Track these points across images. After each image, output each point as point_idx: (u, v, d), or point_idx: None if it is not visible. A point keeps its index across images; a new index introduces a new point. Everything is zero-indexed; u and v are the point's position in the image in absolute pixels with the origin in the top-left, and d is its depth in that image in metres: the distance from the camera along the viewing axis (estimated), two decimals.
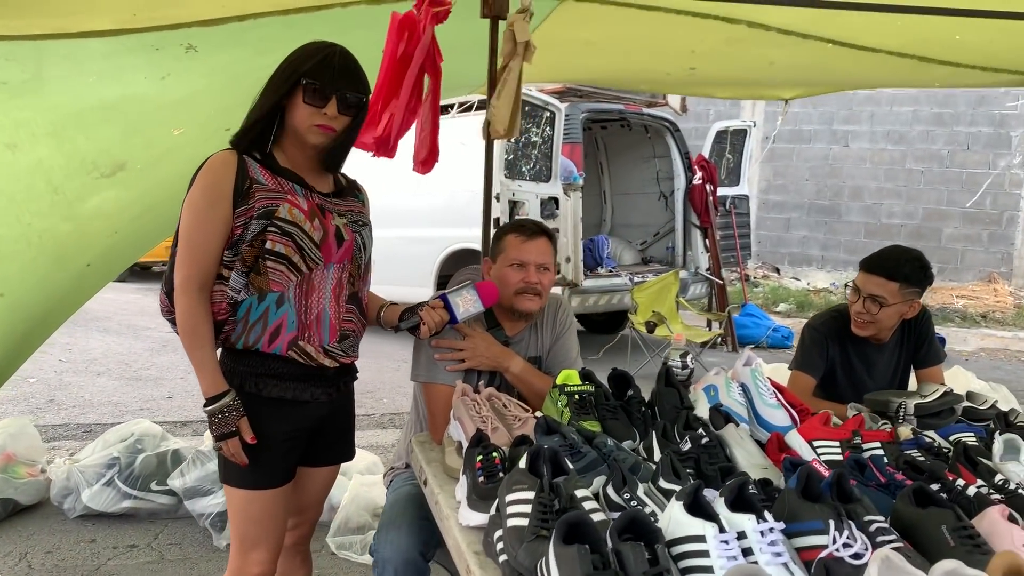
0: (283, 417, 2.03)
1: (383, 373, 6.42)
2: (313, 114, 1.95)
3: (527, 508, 1.40)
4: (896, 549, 1.23)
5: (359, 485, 3.65)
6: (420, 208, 7.85)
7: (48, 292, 3.59)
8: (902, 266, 2.64)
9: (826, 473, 1.59)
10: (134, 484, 3.67)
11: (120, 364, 6.93)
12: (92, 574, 3.20)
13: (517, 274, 2.33)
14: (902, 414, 2.29)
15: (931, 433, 2.09)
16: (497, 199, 6.85)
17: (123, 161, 3.28)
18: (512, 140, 6.98)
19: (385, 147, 2.65)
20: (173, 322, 2.02)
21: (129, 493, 3.65)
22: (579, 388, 2.04)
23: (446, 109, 7.52)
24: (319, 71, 1.94)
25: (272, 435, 2.01)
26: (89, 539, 3.48)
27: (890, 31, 3.33)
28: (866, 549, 1.26)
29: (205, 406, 1.94)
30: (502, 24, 2.83)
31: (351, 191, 2.18)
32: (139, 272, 12.05)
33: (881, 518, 1.36)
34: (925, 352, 2.89)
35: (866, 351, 2.83)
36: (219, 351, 2.05)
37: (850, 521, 1.31)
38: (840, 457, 1.83)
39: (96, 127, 3.12)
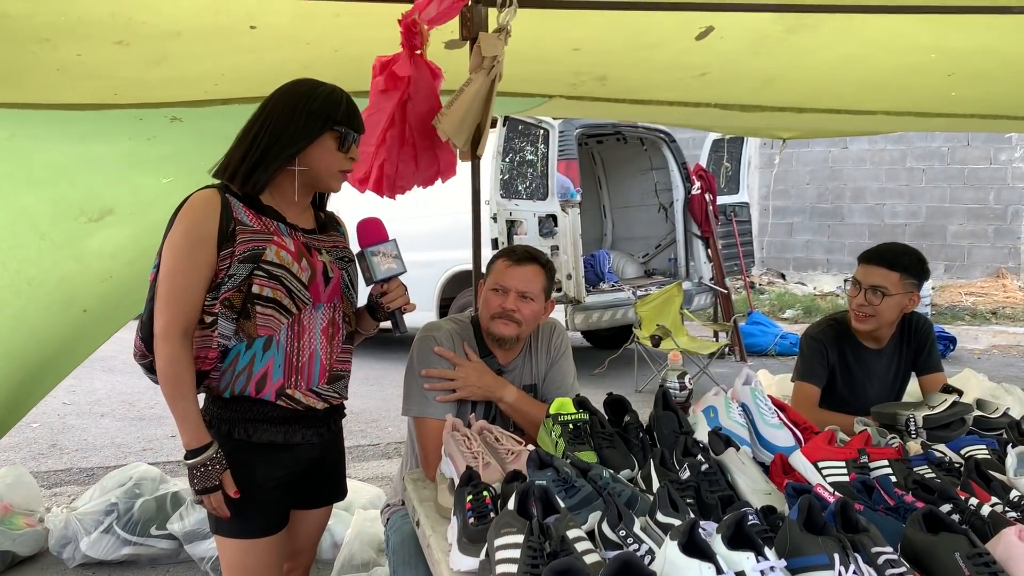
0: (275, 462, 1.98)
1: (388, 401, 6.35)
2: (342, 161, 1.95)
3: (516, 553, 1.34)
4: None
5: (362, 520, 3.58)
6: (420, 232, 7.80)
7: (43, 339, 3.55)
8: (901, 257, 2.70)
9: (831, 499, 1.52)
10: (133, 530, 3.61)
11: (124, 404, 6.88)
12: None
13: (496, 299, 2.28)
14: (912, 428, 2.21)
15: (941, 447, 2.02)
16: (495, 219, 6.81)
17: (111, 207, 3.25)
18: (506, 159, 6.96)
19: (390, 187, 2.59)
20: (147, 368, 1.97)
21: (129, 539, 3.59)
22: (573, 417, 1.98)
23: None
24: (349, 119, 1.94)
25: (264, 482, 1.96)
26: None
27: (883, 96, 3.41)
28: None
29: (186, 458, 1.87)
30: None
31: (332, 225, 2.13)
32: None
33: (889, 549, 1.29)
34: (926, 358, 2.88)
35: (864, 356, 2.82)
36: (202, 398, 1.99)
37: (856, 554, 1.24)
38: (847, 479, 1.75)
39: (81, 175, 3.10)
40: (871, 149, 12.60)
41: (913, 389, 2.98)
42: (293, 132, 1.89)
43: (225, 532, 1.97)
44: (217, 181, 1.97)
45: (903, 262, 2.68)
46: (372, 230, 2.04)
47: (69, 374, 3.85)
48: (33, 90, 2.57)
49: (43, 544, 3.73)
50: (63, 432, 6.00)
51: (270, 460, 1.97)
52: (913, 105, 3.63)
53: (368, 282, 2.05)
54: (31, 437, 5.82)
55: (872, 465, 1.81)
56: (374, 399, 5.86)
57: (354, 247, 2.11)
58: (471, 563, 1.52)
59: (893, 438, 2.08)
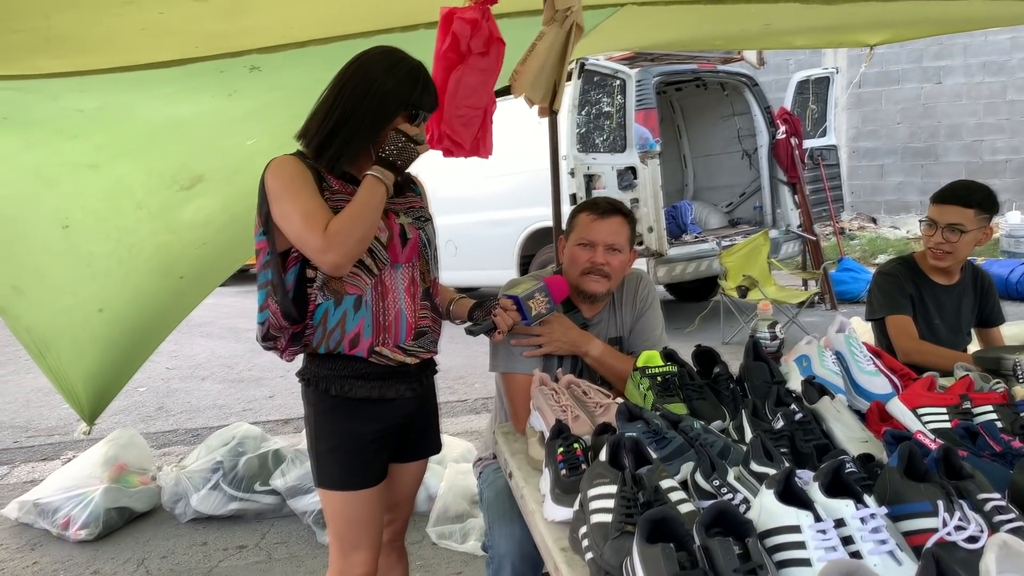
0: (372, 417, 2.03)
1: (474, 359, 6.43)
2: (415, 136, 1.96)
3: (610, 503, 1.35)
4: (1016, 530, 1.13)
5: (455, 473, 3.67)
6: (499, 191, 7.83)
7: (144, 305, 3.72)
8: (974, 193, 2.77)
9: (933, 445, 1.47)
10: (239, 486, 3.79)
11: (223, 367, 7.18)
12: None
13: (584, 253, 2.26)
14: (1019, 372, 2.12)
15: None
16: (572, 175, 6.76)
17: (201, 173, 3.36)
18: (582, 112, 6.87)
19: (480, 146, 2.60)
20: (270, 348, 2.02)
21: (235, 495, 3.77)
22: (661, 370, 1.96)
23: None
24: (423, 98, 1.96)
25: (363, 435, 2.02)
26: (201, 542, 3.61)
27: None
28: (981, 531, 1.15)
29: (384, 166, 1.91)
30: None
31: (408, 186, 2.15)
32: (237, 275, 12.42)
33: (997, 495, 1.25)
34: (991, 310, 3.00)
35: (936, 291, 2.90)
36: (302, 356, 2.06)
37: (962, 500, 1.20)
38: (948, 425, 1.70)
39: (170, 144, 3.20)
40: (967, 83, 11.96)
41: (1011, 333, 2.99)
42: (365, 111, 1.92)
43: (328, 485, 2.04)
44: (297, 144, 2.01)
45: (976, 198, 2.75)
46: (557, 289, 2.19)
47: (166, 338, 4.02)
48: (121, 52, 2.66)
49: (156, 500, 3.95)
50: (168, 395, 6.30)
51: (367, 415, 2.02)
52: None
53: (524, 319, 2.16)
54: (139, 401, 6.14)
55: (976, 411, 1.75)
56: (460, 356, 5.96)
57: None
58: (565, 513, 1.54)
59: (998, 383, 1.99)
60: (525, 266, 7.71)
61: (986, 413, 1.73)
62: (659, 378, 1.94)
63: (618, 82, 6.97)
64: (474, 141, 2.47)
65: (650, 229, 6.95)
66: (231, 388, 6.45)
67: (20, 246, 3.28)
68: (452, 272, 5.71)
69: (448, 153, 2.44)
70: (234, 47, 2.77)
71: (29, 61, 2.60)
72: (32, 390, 6.47)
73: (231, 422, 4.68)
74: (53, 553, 3.57)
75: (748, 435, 1.72)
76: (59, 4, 2.21)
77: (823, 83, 8.80)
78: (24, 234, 3.25)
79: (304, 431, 2.11)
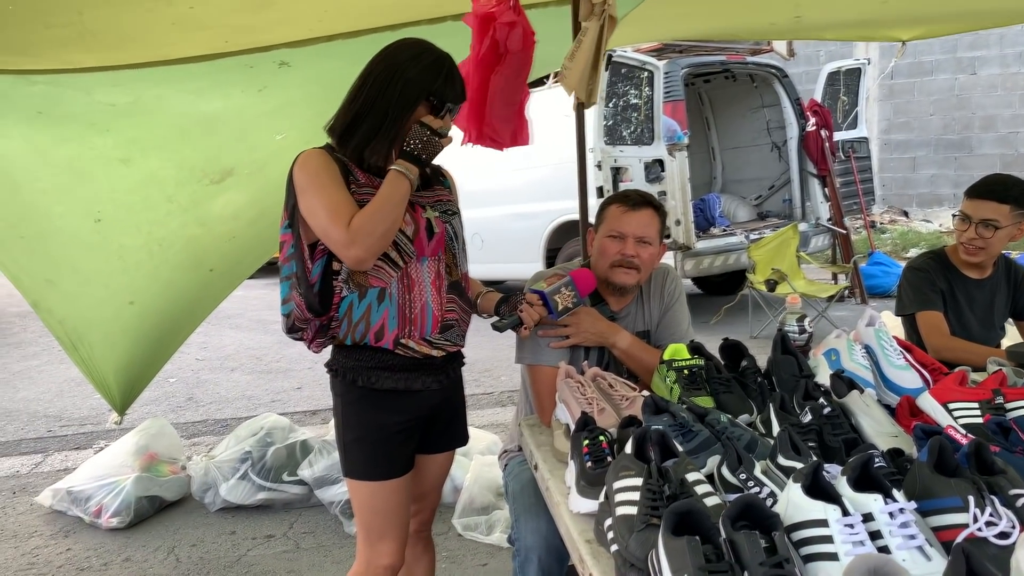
0: (398, 408, 2.05)
1: (500, 351, 6.44)
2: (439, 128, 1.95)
3: (635, 496, 1.34)
4: None
5: (480, 465, 3.68)
6: (524, 184, 7.82)
7: (174, 297, 3.77)
8: (1010, 189, 2.73)
9: (964, 440, 1.45)
10: (267, 476, 3.83)
11: (252, 359, 7.26)
12: (234, 565, 3.35)
13: (614, 245, 2.26)
14: None
15: None
16: (599, 167, 6.73)
17: (230, 167, 3.39)
18: (609, 104, 6.83)
19: (518, 136, 2.62)
20: (297, 339, 2.05)
21: (263, 485, 3.81)
22: (688, 363, 1.95)
23: (542, 81, 7.44)
24: (447, 89, 1.95)
25: (389, 426, 2.03)
26: (230, 531, 3.66)
27: None
28: (1013, 527, 1.14)
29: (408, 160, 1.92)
30: None
31: (436, 179, 2.15)
32: (265, 268, 12.52)
33: None
34: None
35: (967, 286, 2.87)
36: (329, 348, 2.08)
37: (992, 496, 1.19)
38: (980, 420, 1.67)
39: (200, 138, 3.24)
40: (1003, 74, 11.74)
41: None
42: (388, 99, 1.92)
43: (354, 475, 2.06)
44: (325, 140, 2.02)
45: (1012, 194, 2.71)
46: (584, 283, 2.19)
47: (196, 329, 4.07)
48: (152, 47, 2.71)
49: (186, 490, 4.01)
50: (198, 386, 6.38)
51: (393, 406, 2.04)
52: None
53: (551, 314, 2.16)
54: (169, 391, 6.22)
55: (1009, 406, 1.72)
56: (486, 349, 5.97)
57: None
58: (590, 505, 1.54)
59: None
60: (551, 259, 7.70)
61: (1019, 408, 1.71)
62: (686, 371, 1.94)
63: (646, 74, 6.93)
64: (512, 133, 2.50)
65: (677, 222, 6.92)
66: (259, 379, 6.52)
67: (54, 240, 3.33)
68: (478, 265, 5.71)
69: (489, 145, 2.49)
70: (263, 41, 2.80)
71: (63, 55, 2.64)
72: (65, 380, 6.58)
73: (259, 413, 4.72)
74: (86, 540, 3.63)
75: (775, 429, 1.70)
76: (92, 0, 2.24)
77: (854, 74, 8.68)
78: (58, 228, 3.30)
79: (332, 422, 2.12)
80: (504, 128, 2.48)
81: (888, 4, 3.84)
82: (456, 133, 2.43)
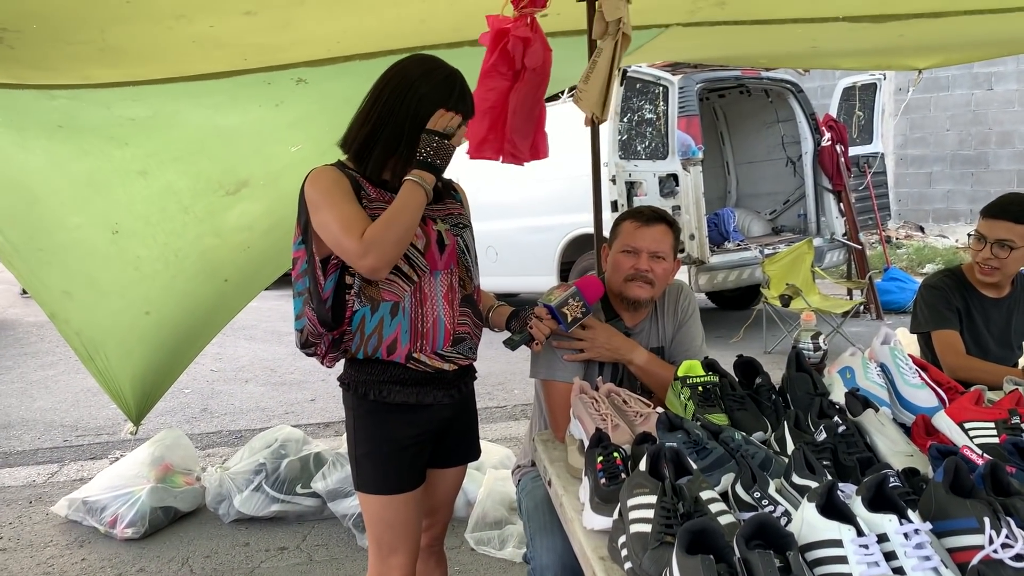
0: (409, 421, 2.05)
1: (514, 364, 6.45)
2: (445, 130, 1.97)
3: (650, 513, 1.35)
4: None
5: (493, 479, 3.68)
6: (539, 197, 7.83)
7: (190, 308, 3.79)
8: None
9: (979, 461, 1.45)
10: (280, 488, 3.84)
11: (266, 370, 7.28)
12: None
13: (628, 260, 2.27)
14: None
15: None
16: (613, 181, 6.74)
17: (246, 178, 3.42)
18: (624, 119, 6.85)
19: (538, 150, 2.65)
20: (310, 354, 2.06)
21: (277, 497, 3.82)
22: (702, 379, 1.95)
23: (557, 95, 7.46)
24: (459, 104, 1.97)
25: (400, 439, 2.04)
26: (243, 543, 3.67)
27: None
28: None
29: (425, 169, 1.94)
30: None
31: (447, 192, 2.17)
32: (280, 280, 12.55)
33: None
34: None
35: (984, 305, 2.85)
36: (341, 361, 2.09)
37: (1008, 518, 1.18)
38: (996, 440, 1.67)
39: (217, 150, 3.27)
40: (1020, 89, 11.68)
41: None
42: (403, 116, 1.94)
43: (366, 488, 2.07)
44: (340, 154, 2.04)
45: None
46: (590, 291, 2.18)
47: (211, 340, 4.09)
48: (172, 63, 2.75)
49: (201, 500, 4.03)
50: (212, 397, 6.41)
51: (404, 419, 2.04)
52: None
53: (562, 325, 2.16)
54: (184, 402, 6.25)
55: None
56: (499, 362, 5.97)
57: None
58: (604, 522, 1.54)
59: None
60: (565, 272, 7.70)
61: None
62: (700, 388, 1.93)
63: (661, 89, 6.95)
64: (532, 147, 2.53)
65: (692, 236, 6.91)
66: (273, 391, 6.54)
67: (72, 251, 3.37)
68: (492, 278, 5.73)
69: (510, 160, 2.51)
70: (282, 60, 2.83)
71: (84, 71, 2.68)
72: (81, 390, 6.63)
73: (273, 424, 4.74)
74: (100, 550, 3.65)
75: (790, 447, 1.70)
76: (114, 18, 2.27)
77: (870, 89, 8.67)
78: (76, 240, 3.34)
79: (345, 435, 2.13)
80: (523, 143, 2.50)
81: (905, 37, 3.84)
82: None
